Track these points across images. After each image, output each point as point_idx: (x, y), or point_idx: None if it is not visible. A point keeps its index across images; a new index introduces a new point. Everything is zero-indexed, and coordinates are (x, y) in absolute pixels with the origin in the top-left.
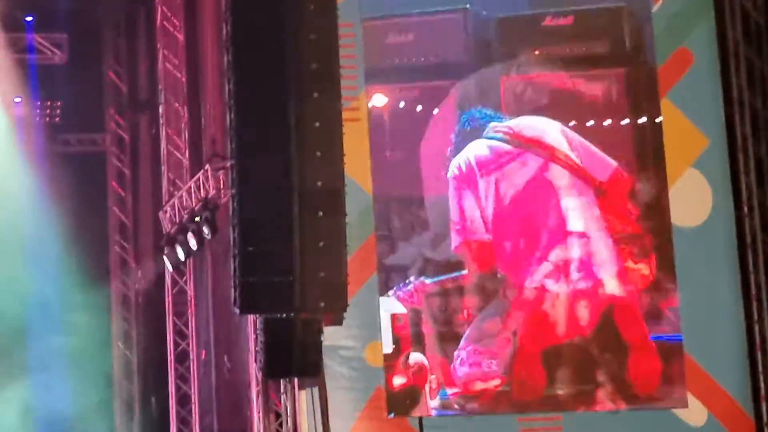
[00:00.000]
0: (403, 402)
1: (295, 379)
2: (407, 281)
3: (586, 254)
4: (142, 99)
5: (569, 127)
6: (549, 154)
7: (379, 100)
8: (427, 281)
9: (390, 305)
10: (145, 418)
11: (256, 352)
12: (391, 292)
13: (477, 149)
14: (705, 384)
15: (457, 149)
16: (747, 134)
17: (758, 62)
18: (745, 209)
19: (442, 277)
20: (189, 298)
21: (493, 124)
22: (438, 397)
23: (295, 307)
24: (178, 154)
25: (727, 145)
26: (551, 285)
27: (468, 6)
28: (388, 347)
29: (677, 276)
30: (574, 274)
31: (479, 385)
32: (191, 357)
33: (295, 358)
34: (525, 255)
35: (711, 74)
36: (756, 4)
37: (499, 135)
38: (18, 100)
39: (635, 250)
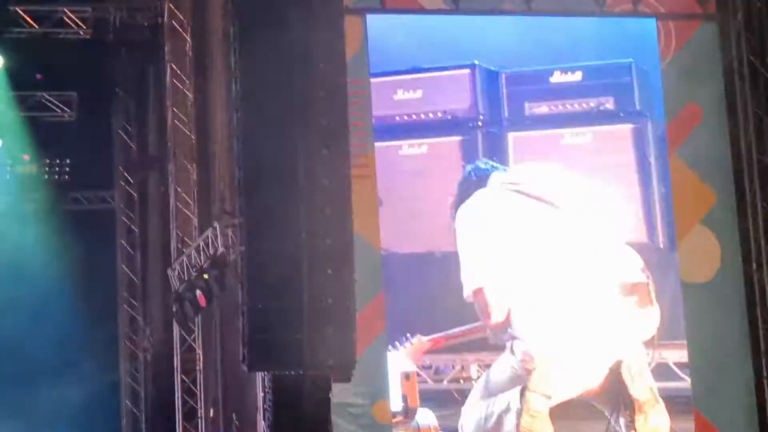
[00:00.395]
0: None
1: None
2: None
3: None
4: (151, 156)
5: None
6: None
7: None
8: (423, 338)
9: (399, 362)
10: None
11: (264, 410)
12: (399, 348)
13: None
14: None
15: (461, 199)
16: (755, 190)
17: (767, 118)
18: (754, 265)
19: (441, 334)
20: (197, 355)
21: (496, 174)
22: None
23: (303, 364)
24: (187, 212)
25: (736, 201)
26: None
27: (476, 62)
28: (396, 405)
29: (686, 331)
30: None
31: None
32: (199, 415)
33: (304, 416)
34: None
35: (719, 130)
36: (764, 60)
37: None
38: (27, 157)
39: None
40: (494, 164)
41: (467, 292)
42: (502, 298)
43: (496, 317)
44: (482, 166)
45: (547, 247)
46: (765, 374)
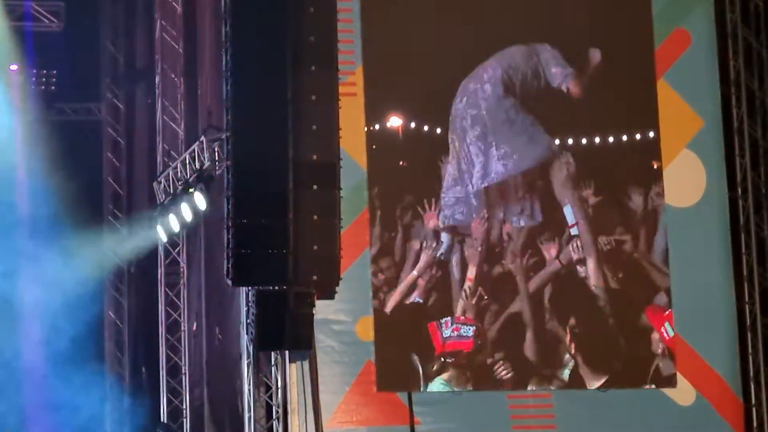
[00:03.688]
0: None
1: (286, 352)
2: None
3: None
4: (138, 69)
5: None
6: None
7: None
8: None
9: None
10: (135, 388)
11: (247, 324)
12: None
13: None
14: (695, 364)
15: None
16: (743, 116)
17: (756, 44)
18: (739, 191)
19: None
20: (181, 269)
21: None
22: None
23: (288, 280)
24: (174, 125)
25: (723, 126)
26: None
27: None
28: None
29: (670, 256)
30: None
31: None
32: (182, 328)
33: (286, 331)
34: None
35: (708, 55)
36: None
37: None
38: (14, 67)
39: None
40: None
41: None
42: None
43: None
44: None
45: None
46: (747, 299)
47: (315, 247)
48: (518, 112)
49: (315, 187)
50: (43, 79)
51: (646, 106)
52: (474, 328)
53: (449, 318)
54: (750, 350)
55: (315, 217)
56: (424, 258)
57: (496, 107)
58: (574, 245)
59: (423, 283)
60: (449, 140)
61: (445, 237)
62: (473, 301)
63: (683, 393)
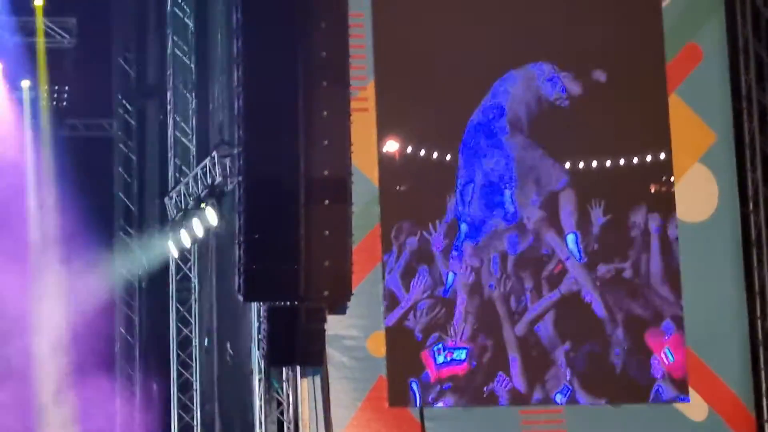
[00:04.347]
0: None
1: (298, 368)
2: None
3: None
4: (150, 84)
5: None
6: None
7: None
8: None
9: None
10: (146, 404)
11: (259, 339)
12: None
13: None
14: (707, 379)
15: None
16: (754, 130)
17: (767, 58)
18: (751, 205)
19: None
20: (193, 284)
21: None
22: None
23: (299, 295)
24: (185, 141)
25: (735, 140)
26: None
27: None
28: None
29: (682, 270)
30: None
31: None
32: (194, 344)
33: (298, 347)
34: None
35: (720, 70)
36: (766, 1)
37: None
38: (27, 83)
39: None
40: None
41: None
42: None
43: None
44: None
45: None
46: (759, 314)
47: (326, 263)
48: (526, 149)
49: (326, 202)
50: (55, 95)
51: (657, 122)
52: (467, 350)
53: (441, 344)
54: (762, 365)
55: (326, 232)
56: (421, 283)
57: (503, 149)
58: (574, 272)
59: (419, 308)
60: (457, 176)
61: (440, 262)
62: (466, 326)
63: (696, 408)
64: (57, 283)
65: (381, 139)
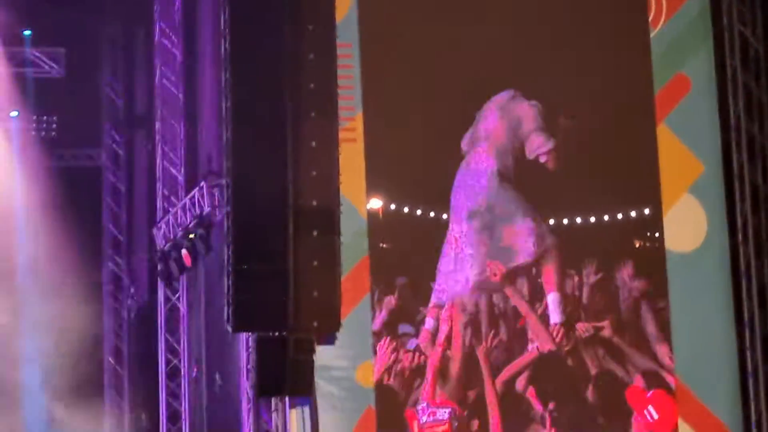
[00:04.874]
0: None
1: (286, 398)
2: None
3: None
4: (138, 115)
5: None
6: None
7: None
8: None
9: None
10: None
11: (247, 370)
12: None
13: None
14: (696, 410)
15: None
16: (743, 161)
17: (756, 89)
18: (740, 236)
19: None
20: (181, 314)
21: None
22: None
23: (288, 326)
24: (174, 171)
25: (723, 171)
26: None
27: None
28: None
29: (670, 301)
30: None
31: None
32: (182, 374)
33: (286, 377)
34: None
35: (708, 100)
36: (755, 32)
37: None
38: (15, 114)
39: None
40: None
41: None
42: None
43: None
44: None
45: None
46: (748, 344)
47: (315, 293)
48: (517, 204)
49: (315, 233)
50: (44, 125)
51: (645, 153)
52: (449, 410)
53: (425, 403)
54: (752, 396)
55: (315, 263)
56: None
57: (494, 200)
58: (554, 332)
59: (401, 365)
60: (449, 229)
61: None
62: (449, 385)
63: None
64: (46, 313)
65: (369, 170)
